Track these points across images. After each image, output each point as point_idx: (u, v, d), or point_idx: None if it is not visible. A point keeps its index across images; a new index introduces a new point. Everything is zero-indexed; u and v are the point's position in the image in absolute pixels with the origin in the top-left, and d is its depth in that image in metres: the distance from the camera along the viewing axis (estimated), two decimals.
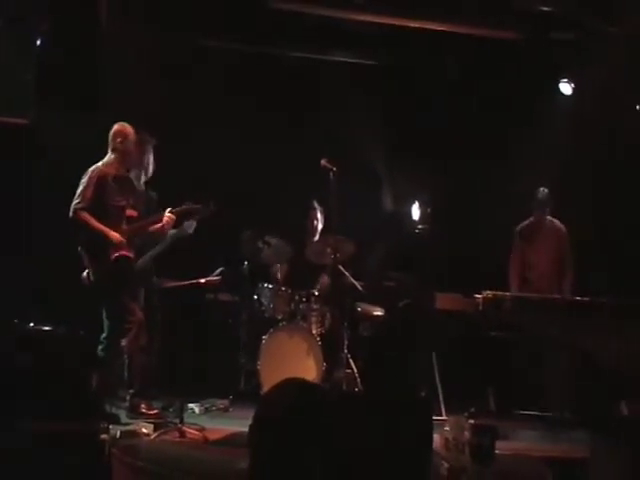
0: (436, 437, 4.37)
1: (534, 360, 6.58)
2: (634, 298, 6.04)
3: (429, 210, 7.15)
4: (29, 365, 4.75)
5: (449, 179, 7.76)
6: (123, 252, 5.69)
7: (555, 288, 6.67)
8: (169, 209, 5.96)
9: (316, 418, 2.15)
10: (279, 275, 6.95)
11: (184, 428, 5.24)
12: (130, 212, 5.84)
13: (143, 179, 6.21)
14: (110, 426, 5.03)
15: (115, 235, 5.64)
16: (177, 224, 6.15)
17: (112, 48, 6.37)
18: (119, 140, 5.78)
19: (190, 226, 6.32)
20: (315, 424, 2.09)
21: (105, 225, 5.64)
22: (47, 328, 4.97)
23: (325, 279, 6.89)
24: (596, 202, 7.34)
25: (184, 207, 6.03)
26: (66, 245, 5.83)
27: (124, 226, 5.74)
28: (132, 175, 6.07)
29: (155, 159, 6.34)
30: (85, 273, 5.74)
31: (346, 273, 6.69)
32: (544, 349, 6.46)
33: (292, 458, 2.08)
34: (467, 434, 4.59)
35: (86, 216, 5.60)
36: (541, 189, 6.88)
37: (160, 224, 5.93)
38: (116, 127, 5.83)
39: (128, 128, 5.82)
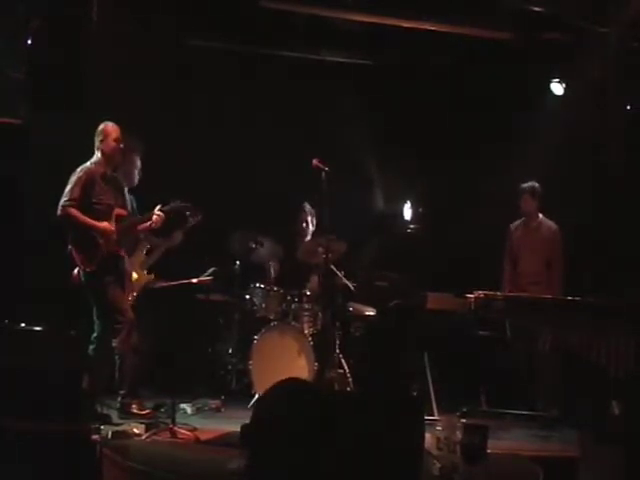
0: (428, 437, 4.38)
1: (525, 360, 6.60)
2: (623, 298, 6.06)
3: (421, 210, 7.16)
4: (19, 365, 4.74)
5: (441, 179, 7.77)
6: (113, 250, 5.68)
7: (545, 287, 6.68)
8: (158, 207, 5.96)
9: (312, 418, 2.16)
10: (272, 272, 6.94)
11: (176, 428, 5.23)
12: (119, 211, 5.83)
13: (126, 188, 6.18)
14: (101, 426, 5.02)
15: (104, 225, 5.64)
16: (166, 227, 6.16)
17: (102, 48, 6.36)
18: (100, 139, 5.78)
19: (178, 236, 6.44)
20: (311, 424, 2.10)
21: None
22: (38, 328, 4.95)
23: (316, 279, 6.89)
24: (586, 201, 7.36)
25: (173, 205, 6.03)
26: (57, 244, 5.82)
27: (113, 224, 5.73)
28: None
29: (144, 164, 6.35)
30: (76, 271, 5.73)
31: (338, 273, 6.69)
32: (535, 349, 6.46)
33: (288, 457, 2.09)
34: (459, 434, 4.60)
35: (75, 212, 5.59)
36: (529, 186, 6.86)
37: (149, 222, 5.94)
38: (99, 127, 5.82)
39: (109, 127, 5.79)
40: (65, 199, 5.61)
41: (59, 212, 5.62)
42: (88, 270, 5.65)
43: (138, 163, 6.34)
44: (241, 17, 7.18)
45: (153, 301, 6.29)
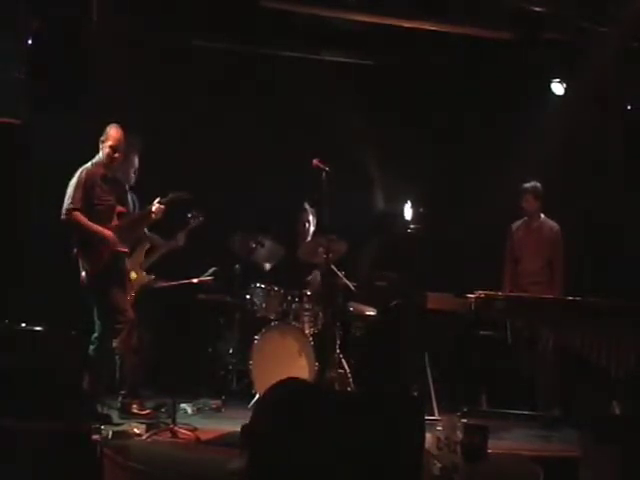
0: (429, 437, 4.38)
1: (525, 360, 6.60)
2: (625, 298, 6.06)
3: (421, 210, 7.16)
4: (19, 365, 4.74)
5: (441, 179, 7.77)
6: (118, 248, 5.69)
7: (546, 287, 6.68)
8: (157, 199, 5.95)
9: (312, 418, 2.16)
10: (267, 267, 6.93)
11: (176, 428, 5.24)
12: (119, 208, 5.84)
13: (126, 186, 6.18)
14: (102, 426, 5.02)
15: (110, 234, 5.64)
16: (169, 229, 6.16)
17: (102, 48, 6.36)
18: (101, 140, 5.77)
19: (181, 238, 6.45)
20: (311, 424, 2.10)
21: (96, 224, 5.63)
22: (38, 328, 4.95)
23: (317, 279, 6.89)
24: (586, 201, 7.37)
25: (172, 196, 6.02)
26: (57, 245, 5.81)
27: (115, 222, 5.73)
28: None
29: (143, 163, 6.35)
30: (83, 274, 5.72)
31: (338, 273, 6.69)
32: (535, 349, 6.47)
33: (288, 457, 2.09)
34: (459, 433, 4.60)
35: (79, 216, 5.59)
36: (532, 186, 6.86)
37: (150, 214, 5.93)
38: (106, 127, 5.81)
39: (112, 132, 5.74)
40: (68, 202, 5.60)
41: (63, 217, 5.60)
42: (91, 273, 5.65)
43: (136, 162, 6.31)
44: (241, 17, 7.17)
45: (153, 301, 6.29)
